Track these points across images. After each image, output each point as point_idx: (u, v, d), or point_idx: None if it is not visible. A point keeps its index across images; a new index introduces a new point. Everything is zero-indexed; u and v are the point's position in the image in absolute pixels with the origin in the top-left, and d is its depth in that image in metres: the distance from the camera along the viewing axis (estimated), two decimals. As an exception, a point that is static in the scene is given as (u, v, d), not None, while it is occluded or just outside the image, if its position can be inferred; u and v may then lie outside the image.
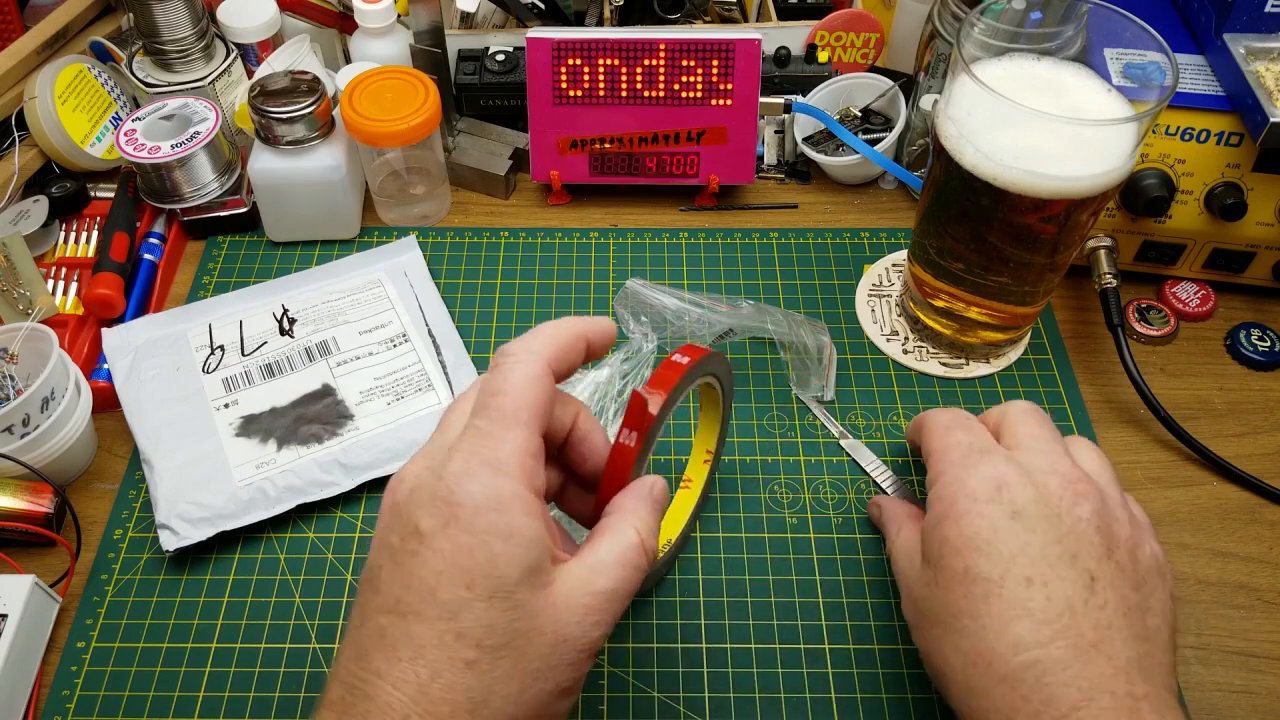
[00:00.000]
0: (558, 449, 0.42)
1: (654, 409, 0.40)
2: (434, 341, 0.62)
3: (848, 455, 0.58)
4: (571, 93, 0.67)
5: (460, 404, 0.40)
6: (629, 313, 0.61)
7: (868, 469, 0.57)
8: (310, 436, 0.56)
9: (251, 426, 0.57)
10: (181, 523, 0.53)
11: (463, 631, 0.34)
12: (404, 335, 0.62)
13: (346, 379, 0.59)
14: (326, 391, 0.58)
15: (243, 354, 0.60)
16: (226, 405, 0.58)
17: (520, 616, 0.34)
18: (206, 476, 0.54)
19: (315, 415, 0.57)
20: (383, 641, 0.35)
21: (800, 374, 0.60)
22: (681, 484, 0.53)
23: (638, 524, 0.39)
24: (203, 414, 0.57)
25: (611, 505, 0.40)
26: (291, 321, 0.62)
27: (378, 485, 0.56)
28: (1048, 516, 0.42)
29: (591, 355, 0.42)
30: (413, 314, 0.63)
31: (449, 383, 0.59)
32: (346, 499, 0.56)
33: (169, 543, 0.52)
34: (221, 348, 0.61)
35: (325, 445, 0.56)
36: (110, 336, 0.61)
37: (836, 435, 0.58)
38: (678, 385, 0.42)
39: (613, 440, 0.41)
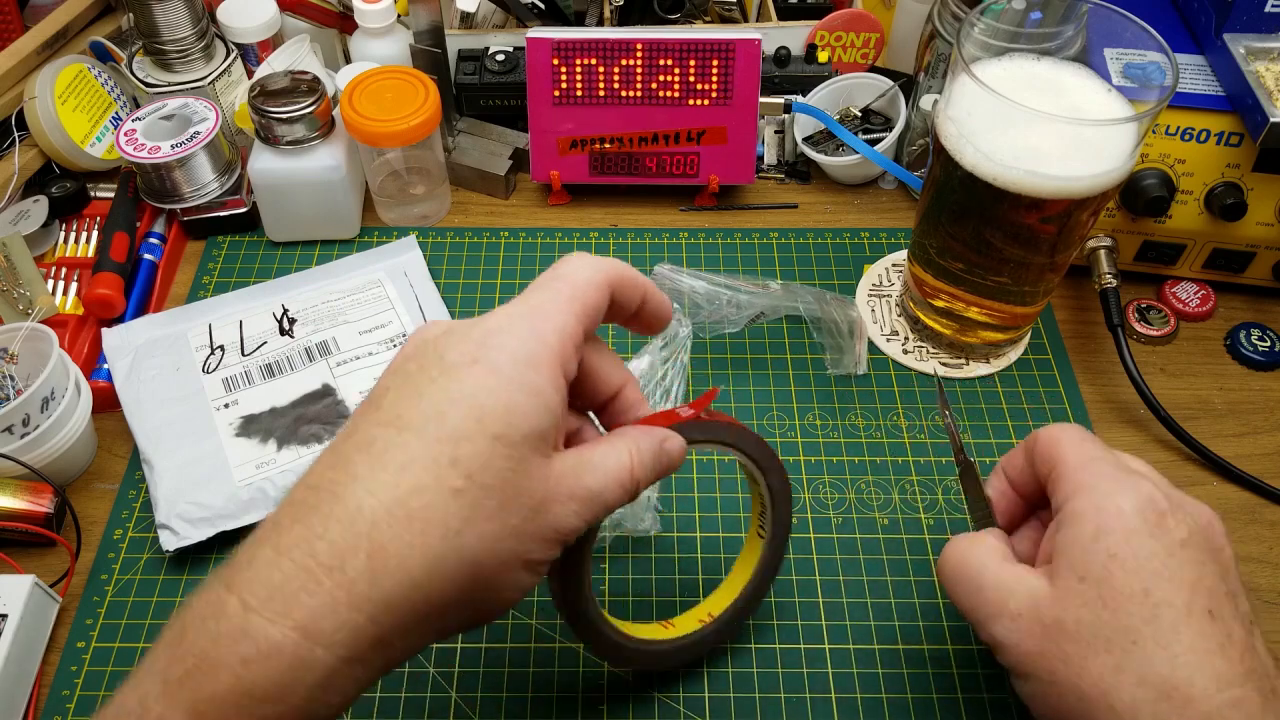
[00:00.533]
0: (599, 408, 0.42)
1: (712, 409, 0.43)
2: None
3: (848, 456, 0.58)
4: (571, 93, 0.66)
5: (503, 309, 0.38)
6: None
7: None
8: (310, 436, 0.56)
9: (251, 426, 0.57)
10: (181, 523, 0.53)
11: (459, 458, 0.33)
12: (404, 335, 0.62)
13: (346, 379, 0.59)
14: (326, 391, 0.59)
15: (243, 354, 0.60)
16: (226, 405, 0.58)
17: (517, 469, 0.34)
18: (206, 476, 0.54)
19: (315, 415, 0.57)
20: (370, 449, 0.33)
21: (833, 352, 0.61)
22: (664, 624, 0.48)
23: (634, 450, 0.38)
24: (203, 414, 0.57)
25: (620, 429, 0.40)
26: (291, 322, 0.62)
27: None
28: (1209, 550, 0.39)
29: (642, 321, 0.41)
30: (413, 314, 0.63)
31: None
32: (346, 499, 0.56)
33: (169, 543, 0.52)
34: (221, 348, 0.61)
35: (326, 445, 0.56)
36: (110, 336, 0.61)
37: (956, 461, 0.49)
38: (733, 424, 0.44)
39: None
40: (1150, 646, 0.36)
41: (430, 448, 0.33)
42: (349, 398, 0.58)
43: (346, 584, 0.31)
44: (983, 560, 0.41)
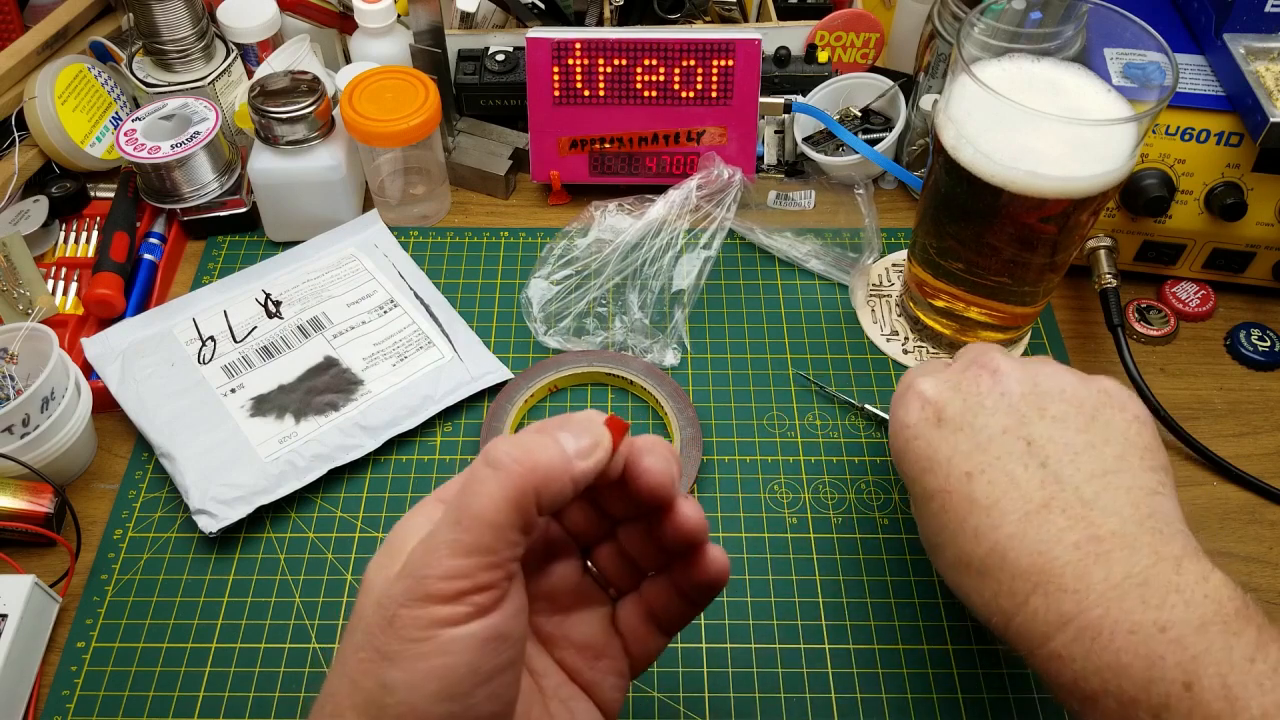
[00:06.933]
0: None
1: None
2: (423, 303, 0.63)
3: (848, 456, 0.58)
4: (571, 93, 0.66)
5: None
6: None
7: None
8: (325, 405, 0.58)
9: (264, 406, 0.58)
10: (217, 505, 0.53)
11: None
12: (392, 302, 0.63)
13: (346, 348, 0.61)
14: (330, 363, 0.60)
15: (234, 341, 0.61)
16: (233, 390, 0.59)
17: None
18: (231, 459, 0.55)
19: (325, 386, 0.59)
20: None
21: (851, 254, 0.64)
22: None
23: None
24: (211, 402, 0.58)
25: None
26: (277, 304, 0.63)
27: (379, 484, 0.57)
28: (970, 409, 0.43)
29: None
30: (395, 281, 0.65)
31: (448, 338, 0.62)
32: (346, 500, 0.56)
33: (209, 526, 0.53)
34: (212, 338, 0.61)
35: (342, 411, 0.58)
36: (91, 346, 0.61)
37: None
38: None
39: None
40: (938, 535, 0.43)
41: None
42: (354, 365, 0.60)
43: None
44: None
